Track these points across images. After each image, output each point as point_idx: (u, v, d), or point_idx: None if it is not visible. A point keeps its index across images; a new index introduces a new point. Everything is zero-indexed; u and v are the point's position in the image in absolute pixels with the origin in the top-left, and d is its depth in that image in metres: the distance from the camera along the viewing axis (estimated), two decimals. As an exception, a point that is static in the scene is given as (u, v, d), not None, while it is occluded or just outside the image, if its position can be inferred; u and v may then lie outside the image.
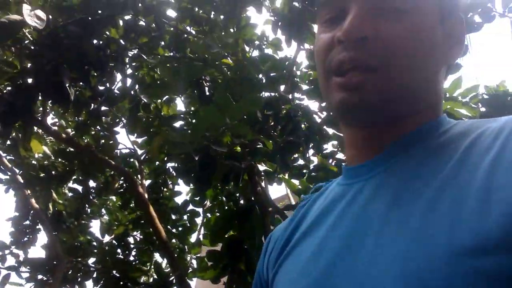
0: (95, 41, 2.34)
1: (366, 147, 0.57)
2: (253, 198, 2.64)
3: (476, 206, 0.41)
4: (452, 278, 0.39)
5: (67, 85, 2.17)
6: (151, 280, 3.27)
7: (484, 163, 0.44)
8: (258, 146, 2.64)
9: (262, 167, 2.82)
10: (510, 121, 0.48)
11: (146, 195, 2.53)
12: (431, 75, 0.55)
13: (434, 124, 0.55)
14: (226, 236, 2.77)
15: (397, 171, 0.52)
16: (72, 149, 2.72)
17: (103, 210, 3.79)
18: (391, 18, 0.51)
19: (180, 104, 3.21)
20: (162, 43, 2.55)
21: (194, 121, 1.96)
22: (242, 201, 2.87)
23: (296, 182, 3.03)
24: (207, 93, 2.48)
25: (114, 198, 3.73)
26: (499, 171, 0.42)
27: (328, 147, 3.01)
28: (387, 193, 0.50)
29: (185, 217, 3.32)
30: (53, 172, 2.85)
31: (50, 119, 3.08)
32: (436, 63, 0.55)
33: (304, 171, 2.97)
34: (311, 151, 2.93)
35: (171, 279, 2.20)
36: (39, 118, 2.43)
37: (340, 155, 2.86)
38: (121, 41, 2.40)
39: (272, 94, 2.84)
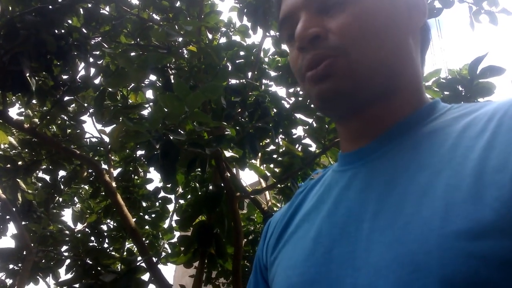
0: (56, 30, 2.31)
1: (360, 136, 0.57)
2: (221, 184, 2.67)
3: (470, 190, 0.41)
4: (445, 261, 0.39)
5: (27, 75, 2.14)
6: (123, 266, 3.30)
7: (478, 146, 0.44)
8: (226, 132, 2.67)
9: (229, 153, 2.84)
10: (503, 104, 0.48)
11: (114, 184, 2.53)
12: (395, 47, 0.54)
13: (428, 109, 0.55)
14: (196, 221, 2.81)
15: (392, 157, 0.52)
16: (36, 140, 2.69)
17: (75, 199, 3.78)
18: (335, 11, 0.53)
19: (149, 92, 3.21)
20: (125, 31, 2.52)
21: (152, 109, 1.97)
22: (211, 187, 2.90)
23: (264, 167, 3.08)
24: (172, 81, 2.48)
25: (86, 187, 3.72)
26: (492, 154, 0.42)
27: (298, 131, 3.05)
28: (382, 179, 0.50)
29: (157, 203, 3.34)
30: (19, 163, 2.83)
31: (16, 109, 3.04)
32: (398, 34, 0.55)
33: (275, 156, 3.01)
34: (280, 137, 2.98)
35: (139, 263, 2.22)
36: (0, 109, 2.40)
37: (307, 140, 2.91)
38: (83, 29, 2.37)
39: (240, 81, 2.85)
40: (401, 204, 0.45)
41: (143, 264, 2.52)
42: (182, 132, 1.82)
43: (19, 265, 2.87)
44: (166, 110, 1.72)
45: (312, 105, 3.06)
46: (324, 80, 0.53)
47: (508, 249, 0.37)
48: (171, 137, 1.82)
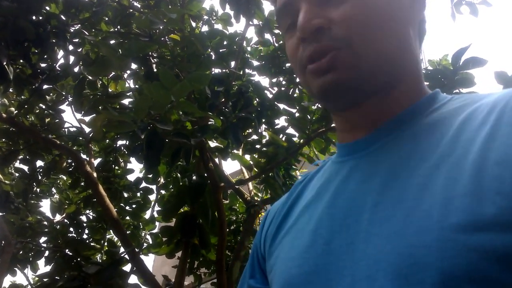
0: (34, 17, 2.23)
1: (358, 127, 0.57)
2: (205, 174, 2.66)
3: (470, 183, 0.41)
4: (445, 254, 0.39)
5: (4, 63, 2.07)
6: (104, 258, 3.27)
7: (478, 138, 0.44)
8: (210, 122, 2.65)
9: (213, 144, 2.83)
10: (504, 95, 0.47)
11: (95, 174, 2.49)
12: (398, 39, 0.54)
13: (428, 100, 0.55)
14: (179, 212, 2.79)
15: (392, 148, 0.52)
16: (14, 129, 2.62)
17: (53, 189, 3.70)
18: (337, 1, 0.52)
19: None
20: (106, 18, 2.46)
21: (137, 98, 1.93)
22: (194, 177, 2.88)
23: (248, 157, 3.08)
24: (155, 70, 2.44)
25: (64, 177, 3.65)
26: (492, 147, 0.42)
27: (280, 122, 3.05)
28: (382, 170, 0.50)
29: (138, 194, 3.30)
30: (-4, 153, 2.75)
31: (-10, 98, 2.94)
32: (401, 26, 0.54)
33: (257, 146, 3.01)
34: (263, 127, 2.98)
35: (122, 255, 2.20)
36: (-24, 98, 2.32)
37: (291, 130, 2.92)
38: (62, 16, 2.30)
39: (223, 70, 2.83)
40: (401, 197, 0.45)
41: (125, 256, 2.50)
42: (169, 123, 1.79)
43: (-3, 257, 2.80)
44: (151, 99, 1.69)
45: (294, 95, 3.07)
46: (327, 73, 0.52)
47: (508, 243, 0.37)
48: (157, 127, 1.79)
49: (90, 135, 2.74)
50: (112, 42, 2.36)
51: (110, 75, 2.58)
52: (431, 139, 0.48)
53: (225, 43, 2.75)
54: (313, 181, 0.64)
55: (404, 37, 0.54)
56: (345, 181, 0.54)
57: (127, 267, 2.73)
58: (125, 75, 2.28)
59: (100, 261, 3.02)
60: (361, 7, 0.51)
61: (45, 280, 2.14)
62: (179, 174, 3.17)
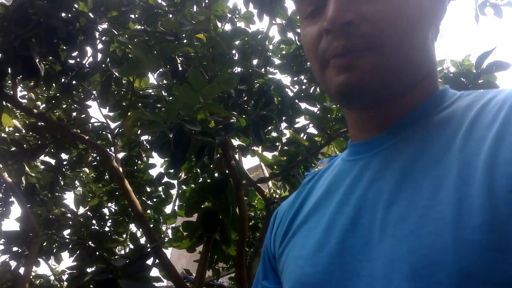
0: (63, 15, 2.29)
1: (371, 126, 0.56)
2: (227, 172, 2.70)
3: (483, 183, 0.40)
4: (461, 255, 0.38)
5: (36, 60, 2.13)
6: (127, 250, 3.35)
7: (489, 136, 0.43)
8: (232, 121, 2.69)
9: (236, 142, 2.87)
10: None
11: (120, 169, 2.55)
12: (422, 43, 0.53)
13: (438, 98, 0.54)
14: (201, 207, 2.85)
15: (404, 147, 0.51)
16: (43, 124, 2.69)
17: (76, 182, 3.79)
18: None
19: (152, 77, 3.19)
20: (133, 16, 2.50)
21: (168, 100, 1.98)
22: (216, 174, 2.93)
23: (269, 155, 3.12)
24: (180, 69, 2.49)
25: (87, 170, 3.73)
26: (503, 145, 0.42)
27: (301, 121, 3.07)
28: (394, 170, 0.50)
29: (160, 189, 3.37)
30: (24, 146, 2.83)
31: (18, 92, 3.02)
32: (425, 29, 0.53)
33: (277, 144, 3.04)
34: (283, 125, 3.00)
35: (148, 249, 2.27)
36: (10, 93, 2.39)
37: (312, 130, 2.95)
38: (90, 14, 2.36)
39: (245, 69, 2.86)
40: (414, 197, 0.45)
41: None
42: (196, 123, 1.84)
43: (24, 248, 2.90)
44: (181, 101, 1.73)
45: (315, 94, 3.09)
46: (351, 71, 0.50)
47: None
48: (184, 126, 1.84)
49: (116, 131, 2.80)
50: (136, 40, 2.41)
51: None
52: (442, 138, 0.48)
53: (247, 41, 2.78)
54: (322, 180, 0.63)
55: (426, 40, 0.54)
56: (357, 180, 0.54)
57: (149, 260, 2.80)
58: (155, 75, 2.32)
59: (123, 253, 3.10)
60: (393, 6, 0.50)
61: (72, 271, 2.21)
62: (198, 170, 3.22)
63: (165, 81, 2.68)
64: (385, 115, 0.55)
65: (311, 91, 3.04)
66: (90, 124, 3.17)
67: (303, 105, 2.94)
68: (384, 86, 0.51)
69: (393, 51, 0.50)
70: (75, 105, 2.88)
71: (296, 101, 2.93)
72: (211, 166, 3.04)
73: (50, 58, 2.47)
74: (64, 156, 3.26)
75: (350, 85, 0.51)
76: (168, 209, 3.47)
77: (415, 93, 0.54)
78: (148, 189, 3.24)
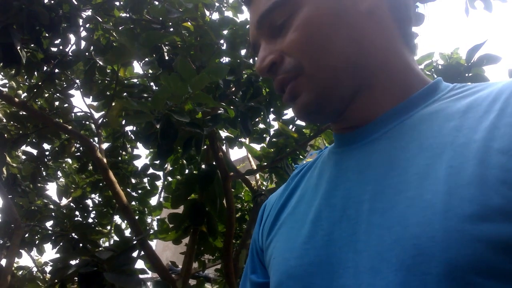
0: (46, 1, 2.21)
1: (352, 126, 0.57)
2: (214, 163, 2.67)
3: (474, 172, 0.40)
4: (450, 245, 0.38)
5: (18, 47, 2.06)
6: (111, 242, 3.29)
7: (481, 127, 0.43)
8: (220, 112, 2.65)
9: (223, 133, 2.84)
10: (509, 85, 0.47)
11: (104, 160, 2.50)
12: (350, 42, 0.53)
13: (429, 90, 0.54)
14: (188, 199, 2.81)
15: (391, 138, 0.51)
16: (25, 113, 2.61)
17: (59, 173, 3.71)
18: (285, 30, 0.55)
19: (137, 66, 3.12)
20: (118, 3, 2.43)
21: (155, 90, 1.93)
22: (203, 166, 2.90)
23: (256, 146, 3.09)
24: (166, 58, 2.43)
25: (70, 161, 3.65)
26: (497, 136, 0.41)
27: (289, 112, 3.05)
28: (381, 160, 0.49)
29: (145, 180, 3.32)
30: (5, 136, 2.74)
31: (-1, 80, 2.93)
32: (350, 28, 0.53)
33: (265, 135, 3.01)
34: (271, 116, 2.98)
35: (134, 242, 2.23)
36: (-11, 82, 2.30)
37: (300, 122, 2.92)
38: (74, 1, 2.28)
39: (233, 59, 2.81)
40: (401, 186, 0.45)
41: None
42: (184, 113, 1.80)
43: (5, 239, 2.83)
44: (169, 91, 1.69)
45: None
46: (295, 99, 0.56)
47: None
48: (172, 117, 1.80)
49: (100, 121, 2.74)
50: (121, 28, 2.34)
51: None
52: (431, 128, 0.48)
53: (235, 31, 2.73)
54: (310, 172, 0.63)
55: (358, 37, 0.54)
56: (344, 171, 0.54)
57: (134, 253, 2.76)
58: (139, 64, 2.26)
59: (107, 245, 3.05)
60: (302, 29, 0.53)
61: (55, 264, 2.16)
62: (184, 161, 3.18)
63: (150, 71, 2.63)
64: (363, 114, 0.56)
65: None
66: (73, 114, 3.10)
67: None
68: (328, 97, 0.54)
69: (315, 68, 0.53)
70: (58, 94, 2.80)
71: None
72: (197, 157, 3.00)
73: (32, 45, 2.40)
74: (46, 146, 3.19)
75: (303, 110, 0.55)
76: (153, 201, 3.43)
77: (387, 88, 0.55)
78: (133, 181, 3.18)
